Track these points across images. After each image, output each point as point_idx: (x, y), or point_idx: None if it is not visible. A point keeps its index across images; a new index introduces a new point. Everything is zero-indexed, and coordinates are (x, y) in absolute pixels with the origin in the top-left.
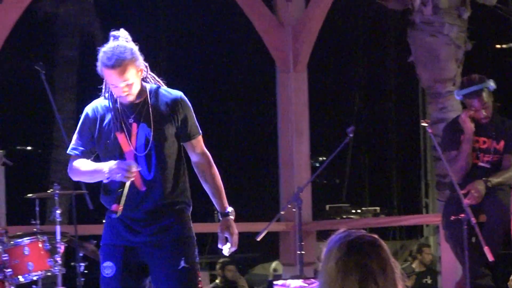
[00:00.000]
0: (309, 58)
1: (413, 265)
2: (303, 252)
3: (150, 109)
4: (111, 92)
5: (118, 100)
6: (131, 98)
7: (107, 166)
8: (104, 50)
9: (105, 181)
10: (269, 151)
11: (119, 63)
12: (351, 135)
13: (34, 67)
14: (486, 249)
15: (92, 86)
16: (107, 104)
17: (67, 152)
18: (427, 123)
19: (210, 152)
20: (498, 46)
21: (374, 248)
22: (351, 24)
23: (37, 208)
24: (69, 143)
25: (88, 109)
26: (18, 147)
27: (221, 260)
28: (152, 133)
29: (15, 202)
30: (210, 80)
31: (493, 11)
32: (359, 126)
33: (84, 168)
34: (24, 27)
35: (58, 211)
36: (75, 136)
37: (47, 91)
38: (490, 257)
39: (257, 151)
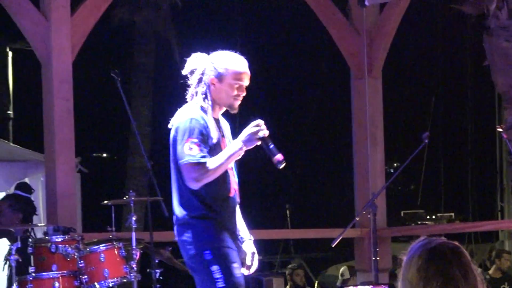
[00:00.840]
0: (384, 64)
1: (490, 271)
2: (378, 258)
3: (222, 125)
4: (212, 103)
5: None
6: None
7: (239, 142)
8: (226, 55)
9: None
10: (344, 157)
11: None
12: (426, 141)
13: (110, 74)
14: None
15: (168, 93)
16: (205, 115)
17: (198, 161)
18: (502, 128)
19: (287, 159)
20: None
21: (456, 255)
22: (426, 29)
23: (113, 215)
24: (144, 150)
25: (198, 119)
26: (94, 154)
27: (290, 265)
28: None
29: (91, 209)
30: (285, 87)
31: None
32: (434, 131)
33: (219, 160)
34: (100, 34)
35: (134, 218)
36: (196, 145)
37: (122, 99)
38: None
39: (332, 158)
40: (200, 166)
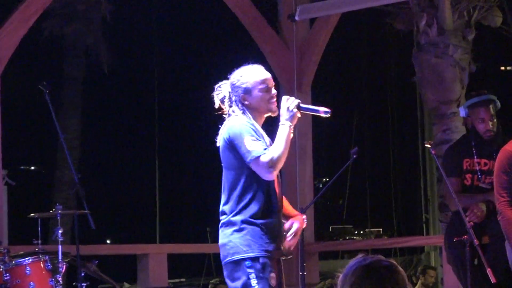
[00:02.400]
0: (314, 78)
1: (416, 287)
2: (305, 273)
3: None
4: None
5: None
6: None
7: (285, 123)
8: (242, 70)
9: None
10: None
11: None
12: (354, 156)
13: (38, 86)
14: (488, 271)
15: (97, 106)
16: (250, 119)
17: (263, 153)
18: (430, 144)
19: (216, 171)
20: (502, 68)
21: (390, 273)
22: (355, 44)
23: (39, 228)
24: (72, 162)
25: (246, 121)
26: (22, 167)
27: (212, 280)
28: None
29: (18, 221)
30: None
31: (497, 32)
32: (359, 146)
33: (279, 145)
34: (30, 46)
35: (60, 231)
36: (255, 141)
37: (51, 111)
38: (493, 279)
39: None
40: (266, 156)
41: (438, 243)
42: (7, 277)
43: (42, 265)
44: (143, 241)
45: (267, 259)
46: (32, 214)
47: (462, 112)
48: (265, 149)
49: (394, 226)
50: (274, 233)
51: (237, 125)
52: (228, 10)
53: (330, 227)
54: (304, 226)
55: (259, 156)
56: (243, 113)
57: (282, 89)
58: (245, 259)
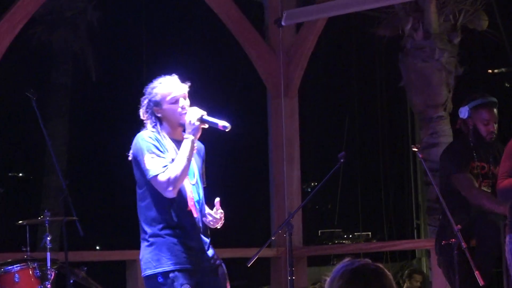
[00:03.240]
0: (301, 83)
1: None
2: (293, 277)
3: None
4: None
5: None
6: None
7: (187, 136)
8: (155, 83)
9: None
10: (260, 176)
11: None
12: (342, 160)
13: (25, 93)
14: (476, 274)
15: (85, 112)
16: (157, 134)
17: (160, 171)
18: (417, 148)
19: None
20: (489, 71)
21: (377, 276)
22: (342, 49)
23: (28, 235)
24: (59, 169)
25: (149, 135)
26: (10, 174)
27: None
28: None
29: (6, 228)
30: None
31: (484, 35)
32: (349, 150)
33: (179, 161)
34: (16, 54)
35: (49, 238)
36: (154, 158)
37: (38, 118)
38: (481, 282)
39: (249, 176)
40: (164, 174)
41: (427, 246)
42: None
43: (30, 272)
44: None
45: (178, 272)
46: (20, 221)
47: (463, 112)
48: (165, 166)
49: (384, 231)
50: (187, 245)
51: (139, 141)
52: (216, 15)
53: (319, 231)
54: (218, 225)
55: (157, 175)
56: (154, 126)
57: (269, 94)
58: (156, 274)
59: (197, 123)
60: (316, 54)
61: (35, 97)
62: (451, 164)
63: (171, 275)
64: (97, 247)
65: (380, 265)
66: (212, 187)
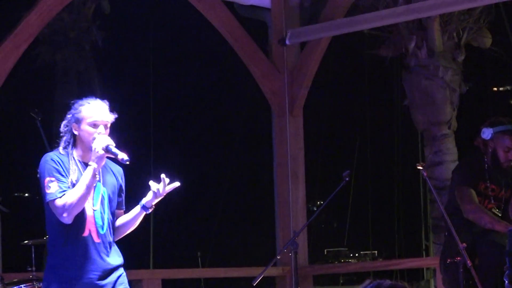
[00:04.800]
0: (307, 102)
1: None
2: None
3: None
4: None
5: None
6: None
7: (90, 164)
8: (80, 102)
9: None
10: (265, 195)
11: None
12: (347, 179)
13: (30, 114)
14: None
15: None
16: (63, 156)
17: (57, 197)
18: (422, 166)
19: (207, 196)
20: (494, 88)
21: None
22: (346, 68)
23: (33, 255)
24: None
25: (52, 157)
26: (16, 194)
27: None
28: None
29: (11, 249)
30: (206, 125)
31: (488, 53)
32: (360, 170)
33: (78, 189)
34: (21, 74)
35: None
36: (53, 182)
37: (42, 138)
38: None
39: (254, 195)
40: (61, 200)
41: (433, 264)
42: None
43: None
44: (136, 266)
45: None
46: (25, 241)
47: (486, 133)
48: (63, 191)
49: (391, 249)
50: (72, 270)
51: (42, 163)
52: (220, 34)
53: (325, 250)
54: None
55: (54, 199)
56: (66, 146)
57: (274, 113)
58: None
59: (101, 152)
60: (321, 73)
61: (40, 117)
62: (459, 176)
63: None
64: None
65: (406, 284)
66: (217, 206)
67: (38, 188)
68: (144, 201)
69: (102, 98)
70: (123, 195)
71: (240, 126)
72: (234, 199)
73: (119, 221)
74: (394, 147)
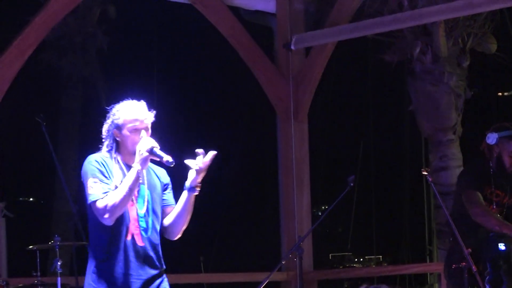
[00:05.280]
0: (312, 107)
1: None
2: None
3: (148, 174)
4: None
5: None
6: None
7: (134, 165)
8: (121, 105)
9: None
10: (270, 200)
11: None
12: (351, 184)
13: (35, 118)
14: None
15: (95, 137)
16: (106, 158)
17: (99, 197)
18: (427, 171)
19: (211, 200)
20: (499, 94)
21: None
22: (351, 73)
23: (38, 260)
24: (69, 194)
25: (96, 159)
26: (21, 199)
27: None
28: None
29: (17, 253)
30: (210, 130)
31: (492, 59)
32: (363, 175)
33: (120, 190)
34: (26, 79)
35: (59, 263)
36: (97, 183)
37: (48, 143)
38: None
39: (258, 201)
40: (103, 201)
41: (437, 270)
42: None
43: None
44: None
45: None
46: (30, 246)
47: (491, 138)
48: (106, 192)
49: (396, 255)
50: (117, 274)
51: (86, 164)
52: (225, 40)
53: (330, 255)
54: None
55: (96, 200)
56: (109, 150)
57: (279, 118)
58: None
59: (146, 154)
60: (326, 78)
61: (45, 122)
62: (466, 181)
63: None
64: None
65: None
66: (222, 211)
67: (43, 192)
68: (187, 183)
69: (107, 103)
70: (172, 192)
71: (245, 131)
72: (239, 203)
73: (171, 216)
74: (398, 152)
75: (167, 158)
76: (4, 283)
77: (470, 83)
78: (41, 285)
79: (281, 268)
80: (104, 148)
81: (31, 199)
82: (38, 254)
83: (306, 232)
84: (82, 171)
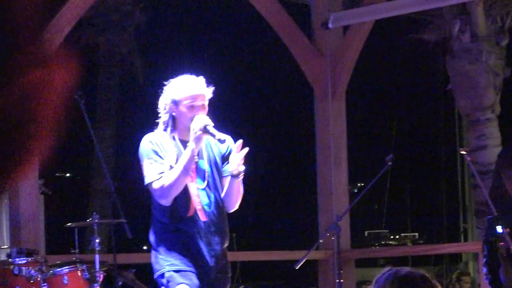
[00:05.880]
0: (348, 86)
1: None
2: (341, 280)
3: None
4: (178, 129)
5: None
6: None
7: (189, 144)
8: (178, 80)
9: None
10: (307, 179)
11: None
12: (389, 163)
13: (73, 96)
14: None
15: (132, 114)
16: (161, 137)
17: (155, 178)
18: (465, 151)
19: (249, 179)
20: None
21: (426, 283)
22: (389, 51)
23: (76, 237)
24: (107, 171)
25: (150, 140)
26: (57, 174)
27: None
28: None
29: (55, 231)
30: (248, 108)
31: None
32: (398, 152)
33: (176, 170)
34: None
35: (97, 240)
36: (152, 164)
37: (86, 120)
38: None
39: (296, 180)
40: (158, 182)
41: (473, 250)
42: (45, 287)
43: (79, 274)
44: None
45: (174, 272)
46: (69, 224)
47: None
48: (161, 173)
49: (431, 232)
50: (185, 249)
51: (142, 145)
52: (262, 18)
53: (366, 232)
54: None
55: (152, 182)
56: (165, 127)
57: (316, 97)
58: (158, 277)
59: (199, 132)
60: (363, 56)
61: (83, 99)
62: (505, 159)
63: (167, 275)
64: (144, 247)
65: (424, 272)
66: (259, 190)
67: (81, 169)
68: (230, 168)
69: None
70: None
71: (282, 110)
72: (276, 182)
73: (224, 190)
74: (434, 130)
75: (219, 136)
76: (43, 260)
77: (509, 62)
78: (79, 262)
79: (319, 246)
80: (161, 125)
81: (67, 174)
82: (76, 232)
83: (344, 211)
84: (139, 152)
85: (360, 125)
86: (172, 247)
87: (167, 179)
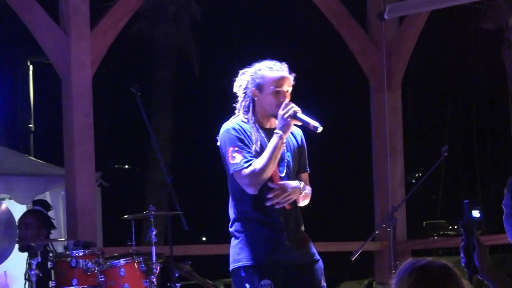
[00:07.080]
0: (403, 77)
1: None
2: None
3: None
4: (258, 115)
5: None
6: None
7: (276, 132)
8: (263, 64)
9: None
10: (363, 170)
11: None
12: (445, 154)
13: (130, 88)
14: None
15: (188, 107)
16: (244, 124)
17: (242, 167)
18: None
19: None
20: None
21: (444, 271)
22: (445, 41)
23: (133, 229)
24: (164, 164)
25: (234, 127)
26: (116, 166)
27: None
28: None
29: (112, 223)
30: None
31: None
32: (452, 142)
33: (264, 158)
34: (120, 49)
35: (154, 232)
36: (238, 153)
37: (142, 112)
38: None
39: (352, 170)
40: (247, 170)
41: None
42: (102, 279)
43: (136, 266)
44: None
45: (259, 266)
46: (125, 216)
47: None
48: (248, 161)
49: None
50: (270, 241)
51: (223, 133)
52: (317, 9)
53: (424, 223)
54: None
55: (240, 170)
56: (246, 112)
57: (372, 88)
58: (239, 268)
59: (289, 118)
60: (419, 47)
61: (139, 92)
62: None
63: (251, 270)
64: (203, 238)
65: (445, 262)
66: (315, 182)
67: (138, 161)
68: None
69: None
70: (306, 156)
71: (338, 101)
72: (332, 174)
73: None
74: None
75: (313, 123)
76: (100, 252)
77: None
78: (136, 254)
79: (375, 238)
80: (241, 109)
81: (126, 166)
82: (133, 224)
83: (400, 202)
84: (220, 140)
85: (416, 115)
86: (255, 240)
87: (257, 167)
